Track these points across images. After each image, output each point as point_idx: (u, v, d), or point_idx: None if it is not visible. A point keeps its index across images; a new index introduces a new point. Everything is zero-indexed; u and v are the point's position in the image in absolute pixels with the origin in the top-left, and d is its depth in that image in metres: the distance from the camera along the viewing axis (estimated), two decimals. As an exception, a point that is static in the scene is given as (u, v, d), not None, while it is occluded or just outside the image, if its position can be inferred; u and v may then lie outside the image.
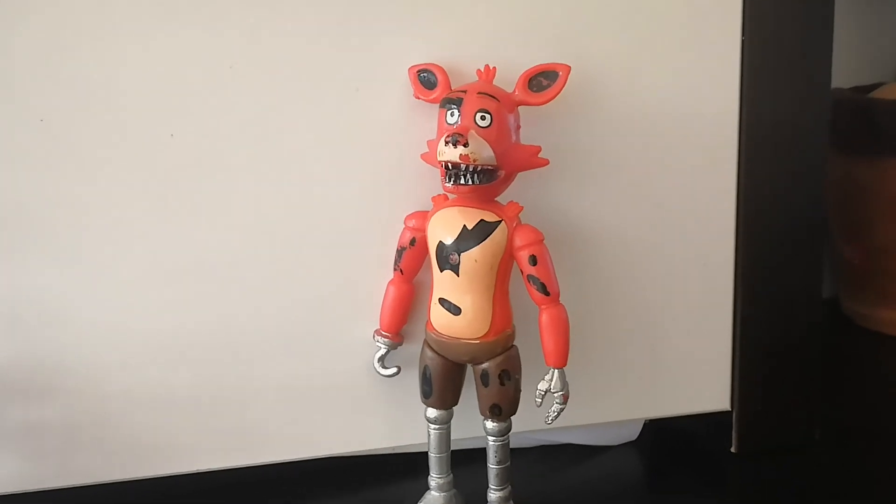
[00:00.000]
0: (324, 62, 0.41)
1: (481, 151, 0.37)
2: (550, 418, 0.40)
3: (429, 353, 0.41)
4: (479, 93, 0.38)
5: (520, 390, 0.41)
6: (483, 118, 0.37)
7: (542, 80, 0.39)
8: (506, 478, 0.42)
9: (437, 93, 0.39)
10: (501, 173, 0.38)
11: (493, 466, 0.41)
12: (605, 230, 0.45)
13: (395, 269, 0.42)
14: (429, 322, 0.41)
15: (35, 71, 0.39)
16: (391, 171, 0.42)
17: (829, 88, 0.46)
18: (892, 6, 0.71)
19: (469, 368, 0.41)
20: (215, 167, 0.41)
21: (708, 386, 0.48)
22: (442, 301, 0.39)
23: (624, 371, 0.47)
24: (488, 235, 0.38)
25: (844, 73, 0.59)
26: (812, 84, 0.45)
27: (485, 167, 0.37)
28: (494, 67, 0.39)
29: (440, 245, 0.39)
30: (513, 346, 0.40)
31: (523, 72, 0.39)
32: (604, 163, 0.44)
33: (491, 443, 0.41)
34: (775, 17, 0.44)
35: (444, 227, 0.39)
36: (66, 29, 0.39)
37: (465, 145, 0.36)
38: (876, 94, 0.63)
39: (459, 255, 0.38)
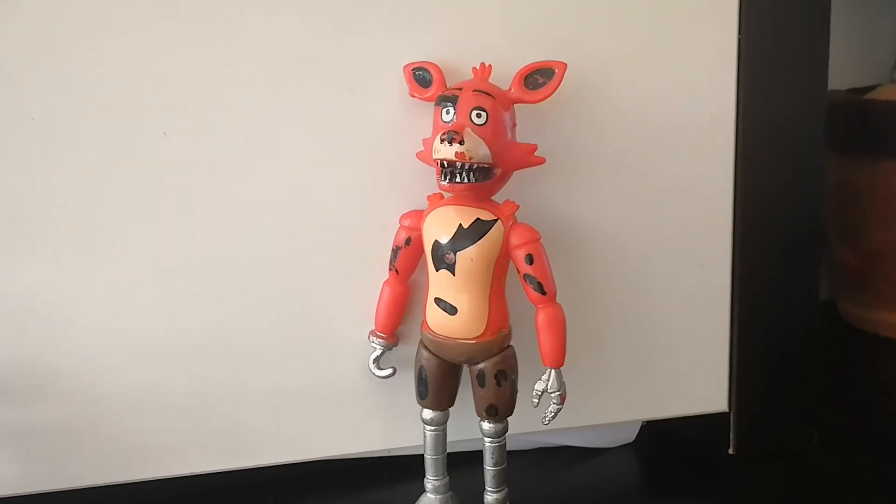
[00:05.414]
0: (318, 60, 0.40)
1: (477, 149, 0.36)
2: (547, 419, 0.40)
3: (424, 353, 0.40)
4: (474, 90, 0.37)
5: (516, 391, 0.40)
6: (479, 116, 0.37)
7: (538, 77, 0.38)
8: (502, 480, 0.41)
9: (433, 91, 0.39)
10: (497, 171, 0.38)
11: (489, 468, 0.41)
12: (602, 230, 0.44)
13: (390, 269, 0.41)
14: (424, 322, 0.40)
15: (26, 69, 0.38)
16: (386, 170, 0.42)
17: (825, 90, 0.46)
18: (888, 8, 0.71)
19: (465, 369, 0.41)
20: (208, 166, 0.41)
21: (705, 387, 0.48)
22: (438, 301, 0.39)
23: (621, 372, 0.47)
24: (484, 234, 0.38)
25: (841, 74, 0.59)
26: (809, 85, 0.45)
27: (480, 165, 0.37)
28: (490, 65, 0.39)
29: (436, 244, 0.39)
30: (509, 346, 0.40)
31: (519, 69, 0.38)
32: (600, 162, 0.44)
33: (487, 444, 0.41)
34: (772, 19, 0.44)
35: (440, 226, 0.39)
36: (56, 26, 0.38)
37: (461, 143, 0.36)
38: (872, 95, 0.63)
39: (455, 255, 0.38)
